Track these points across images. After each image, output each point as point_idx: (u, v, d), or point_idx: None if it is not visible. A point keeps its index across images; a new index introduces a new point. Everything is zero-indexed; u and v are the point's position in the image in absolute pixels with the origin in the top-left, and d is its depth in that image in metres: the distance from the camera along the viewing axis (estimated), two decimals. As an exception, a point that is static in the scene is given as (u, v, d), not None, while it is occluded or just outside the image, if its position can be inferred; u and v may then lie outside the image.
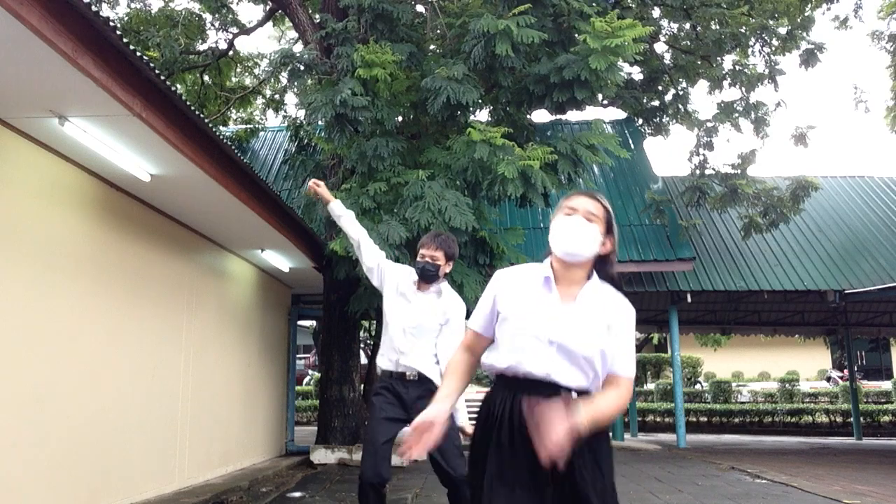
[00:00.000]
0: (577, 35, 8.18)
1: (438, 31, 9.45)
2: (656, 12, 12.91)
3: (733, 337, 22.48)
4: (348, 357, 9.43)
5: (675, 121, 13.56)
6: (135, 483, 5.46)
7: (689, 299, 12.73)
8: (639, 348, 25.89)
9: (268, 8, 13.30)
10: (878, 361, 28.65)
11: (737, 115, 11.98)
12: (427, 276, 3.72)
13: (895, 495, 6.69)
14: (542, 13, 8.23)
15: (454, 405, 2.22)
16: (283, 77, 9.79)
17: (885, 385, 22.39)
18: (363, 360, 12.55)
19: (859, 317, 16.65)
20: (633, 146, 14.66)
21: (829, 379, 26.16)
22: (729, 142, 61.53)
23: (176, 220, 6.33)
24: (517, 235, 8.99)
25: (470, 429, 3.36)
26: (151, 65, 3.94)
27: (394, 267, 3.92)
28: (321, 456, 8.72)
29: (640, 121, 14.54)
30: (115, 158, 4.67)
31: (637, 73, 12.93)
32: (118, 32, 3.55)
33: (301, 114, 12.72)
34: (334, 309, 9.30)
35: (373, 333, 13.37)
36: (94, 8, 3.33)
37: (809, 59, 11.81)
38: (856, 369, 18.39)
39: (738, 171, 12.32)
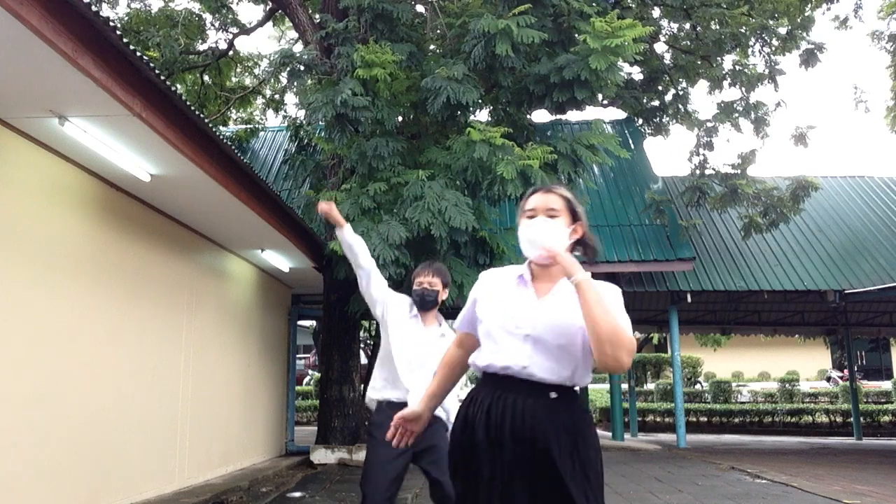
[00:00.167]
0: (577, 35, 8.18)
1: (438, 31, 9.45)
2: (656, 12, 12.90)
3: (733, 337, 22.47)
4: (348, 357, 9.43)
5: (675, 121, 13.55)
6: (135, 483, 5.46)
7: (689, 299, 12.73)
8: (639, 348, 25.88)
9: (268, 8, 13.31)
10: (878, 361, 28.66)
11: (737, 115, 11.98)
12: (427, 304, 3.65)
13: (895, 495, 6.69)
14: (542, 13, 8.23)
15: (441, 403, 2.27)
16: (283, 77, 9.78)
17: (885, 385, 22.40)
18: (363, 360, 12.54)
19: (859, 317, 16.64)
20: (633, 146, 14.65)
21: (829, 379, 26.17)
22: (729, 142, 61.66)
23: (176, 220, 6.33)
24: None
25: None
26: (151, 65, 3.94)
27: (395, 296, 3.80)
28: (321, 456, 8.72)
29: (640, 121, 14.53)
30: (115, 158, 4.67)
31: (637, 73, 12.93)
32: (118, 32, 3.55)
33: (301, 114, 12.73)
34: (334, 309, 9.30)
35: (373, 333, 13.37)
36: (94, 8, 3.33)
37: (809, 59, 11.81)
38: (856, 369, 18.39)
39: (738, 171, 12.31)
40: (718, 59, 12.25)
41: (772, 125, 14.22)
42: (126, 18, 12.94)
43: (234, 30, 13.65)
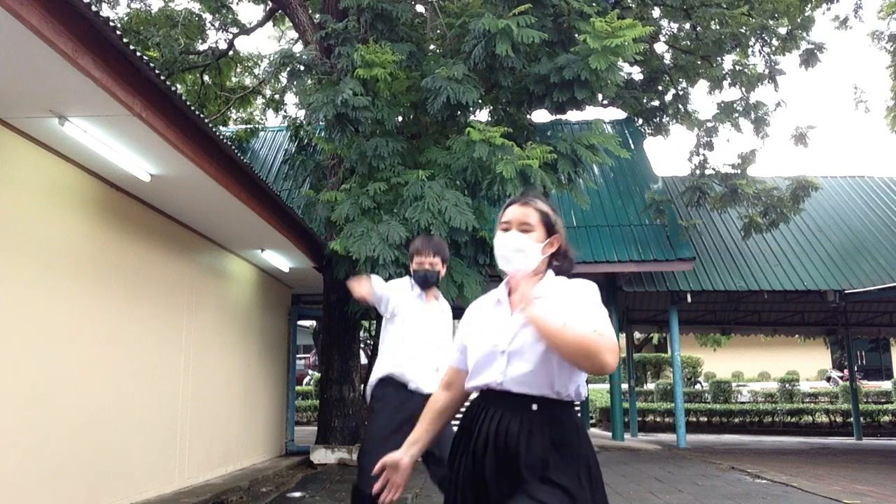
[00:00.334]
0: (577, 35, 8.18)
1: (438, 31, 9.45)
2: (656, 12, 12.90)
3: (733, 337, 22.49)
4: (348, 357, 9.43)
5: (675, 121, 13.56)
6: (135, 483, 5.46)
7: (689, 299, 12.73)
8: (639, 348, 25.92)
9: (268, 8, 13.31)
10: (878, 361, 28.67)
11: (737, 115, 11.97)
12: (430, 284, 3.69)
13: (895, 495, 6.69)
14: (542, 13, 8.23)
15: (423, 449, 2.21)
16: (283, 77, 9.79)
17: (885, 385, 22.40)
18: (363, 360, 12.54)
19: (859, 317, 16.65)
20: (633, 146, 14.65)
21: (829, 379, 26.17)
22: (729, 142, 61.63)
23: (176, 220, 6.33)
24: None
25: None
26: (151, 65, 3.94)
27: (396, 285, 3.81)
28: (321, 456, 8.72)
29: (640, 121, 14.54)
30: (115, 158, 4.67)
31: (637, 73, 12.93)
32: (118, 32, 3.55)
33: (301, 114, 12.74)
34: (334, 309, 9.30)
35: (373, 333, 13.37)
36: (94, 8, 3.33)
37: (809, 59, 11.81)
38: (856, 369, 18.39)
39: (738, 171, 12.31)
40: (718, 59, 12.25)
41: (772, 125, 14.23)
42: (126, 18, 12.94)
43: (234, 30, 13.66)
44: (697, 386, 24.05)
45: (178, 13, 13.19)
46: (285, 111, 15.39)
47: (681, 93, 12.72)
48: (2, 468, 3.98)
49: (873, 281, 12.54)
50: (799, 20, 12.48)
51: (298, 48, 10.64)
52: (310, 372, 23.40)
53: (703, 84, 13.24)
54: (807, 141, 12.58)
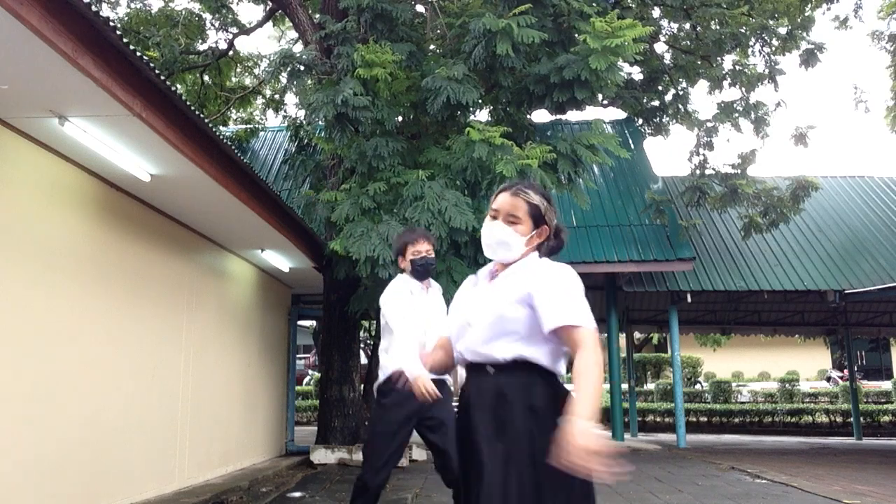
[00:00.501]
0: (577, 35, 8.17)
1: (438, 31, 9.44)
2: (656, 12, 12.90)
3: (733, 337, 22.48)
4: (348, 357, 9.43)
5: (675, 121, 13.55)
6: (135, 483, 5.46)
7: (689, 299, 12.73)
8: (639, 348, 25.92)
9: (268, 8, 13.30)
10: (878, 361, 28.66)
11: (737, 115, 11.97)
12: (430, 272, 3.71)
13: (895, 495, 6.69)
14: (543, 13, 8.23)
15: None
16: (283, 77, 9.79)
17: (885, 385, 22.39)
18: (363, 360, 12.54)
19: (859, 317, 16.65)
20: (633, 146, 14.65)
21: (829, 379, 26.17)
22: (729, 142, 61.61)
23: (176, 220, 6.33)
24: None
25: None
26: (151, 65, 3.94)
27: (393, 293, 3.76)
28: (321, 456, 8.72)
29: (640, 121, 14.53)
30: (115, 158, 4.67)
31: (637, 73, 12.92)
32: (118, 32, 3.55)
33: (301, 114, 12.73)
34: (334, 309, 9.29)
35: (373, 333, 13.37)
36: (94, 8, 3.33)
37: (809, 59, 11.81)
38: (856, 369, 18.39)
39: (738, 171, 12.31)
40: (718, 59, 12.25)
41: (772, 125, 14.23)
42: (126, 18, 12.94)
43: (234, 30, 13.66)
44: (697, 386, 24.04)
45: (178, 13, 13.19)
46: (285, 111, 15.39)
47: (681, 93, 12.72)
48: (2, 468, 3.98)
49: (873, 281, 12.54)
50: (799, 20, 12.47)
51: (298, 48, 10.63)
52: (310, 372, 23.40)
53: (703, 84, 13.24)
54: (807, 141, 12.58)
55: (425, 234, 3.79)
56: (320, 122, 9.12)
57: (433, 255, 3.72)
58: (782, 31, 11.97)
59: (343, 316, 9.08)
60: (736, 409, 19.10)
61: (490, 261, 2.28)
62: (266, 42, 62.03)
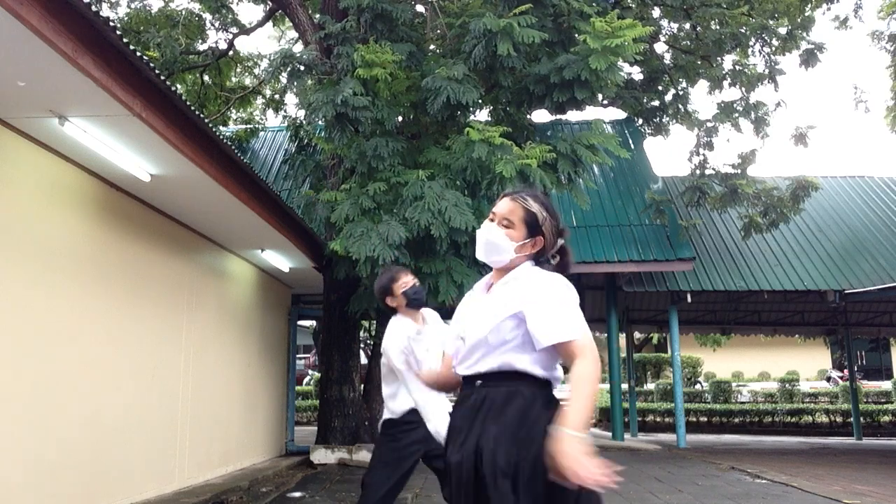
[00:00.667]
0: (577, 35, 8.18)
1: (438, 31, 9.45)
2: (656, 12, 12.90)
3: (733, 337, 22.48)
4: (348, 357, 9.43)
5: (675, 121, 13.56)
6: (135, 483, 5.46)
7: (689, 299, 12.73)
8: (639, 348, 25.92)
9: (268, 8, 13.31)
10: (878, 361, 28.65)
11: (737, 115, 11.97)
12: (423, 300, 3.70)
13: (895, 495, 6.69)
14: (543, 13, 8.23)
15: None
16: (283, 77, 9.79)
17: (885, 385, 22.38)
18: (363, 360, 12.54)
19: (859, 317, 16.64)
20: (633, 146, 14.65)
21: (829, 379, 26.16)
22: (729, 142, 61.62)
23: (176, 220, 6.33)
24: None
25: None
26: (151, 65, 3.95)
27: (397, 341, 3.64)
28: (321, 456, 8.72)
29: (640, 121, 14.54)
30: (115, 158, 4.67)
31: (637, 73, 12.93)
32: (118, 32, 3.55)
33: (301, 114, 12.73)
34: (334, 309, 9.30)
35: (373, 333, 13.36)
36: (94, 8, 3.33)
37: (809, 59, 11.81)
38: (856, 369, 18.38)
39: (738, 171, 12.31)
40: (718, 59, 12.25)
41: (772, 125, 14.22)
42: (126, 18, 12.94)
43: (234, 30, 13.66)
44: (697, 386, 24.03)
45: (178, 13, 13.19)
46: (285, 111, 15.39)
47: (681, 93, 12.72)
48: (2, 468, 3.98)
49: (873, 281, 12.54)
50: (799, 20, 12.48)
51: (298, 48, 10.63)
52: (310, 372, 23.40)
53: (703, 84, 13.24)
54: (807, 141, 12.58)
55: (401, 268, 3.80)
56: (320, 122, 9.12)
57: (418, 283, 3.71)
58: (782, 31, 11.97)
59: (343, 316, 9.08)
60: (736, 409, 19.10)
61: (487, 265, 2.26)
62: (266, 42, 62.07)
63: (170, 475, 6.08)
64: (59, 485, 4.49)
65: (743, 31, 11.66)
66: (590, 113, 23.06)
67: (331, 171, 9.69)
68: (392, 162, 7.99)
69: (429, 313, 3.80)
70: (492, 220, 2.15)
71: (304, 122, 11.70)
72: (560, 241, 2.17)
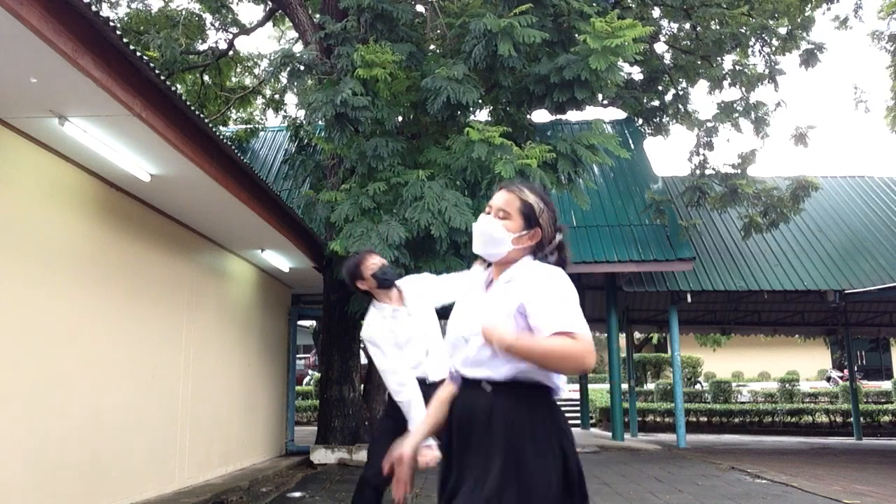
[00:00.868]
0: (577, 35, 8.18)
1: (438, 31, 9.45)
2: (656, 12, 12.90)
3: (733, 337, 22.48)
4: (348, 357, 9.43)
5: (675, 121, 13.56)
6: (135, 483, 5.46)
7: (689, 299, 12.73)
8: (639, 348, 25.92)
9: (268, 8, 13.31)
10: (878, 361, 28.66)
11: (737, 115, 11.98)
12: (394, 276, 3.68)
13: (895, 495, 6.69)
14: (543, 13, 8.23)
15: (425, 437, 2.23)
16: (283, 77, 9.80)
17: (885, 385, 22.40)
18: (363, 359, 12.54)
19: (859, 317, 16.65)
20: (633, 146, 14.65)
21: (829, 379, 26.17)
22: (729, 142, 61.59)
23: (176, 220, 6.33)
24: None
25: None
26: (151, 65, 3.95)
27: (378, 332, 3.68)
28: (321, 456, 8.72)
29: (640, 121, 14.54)
30: (115, 158, 4.67)
31: (637, 73, 12.93)
32: (118, 32, 3.55)
33: (301, 114, 12.72)
34: (334, 309, 9.30)
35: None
36: (94, 8, 3.33)
37: (809, 59, 11.81)
38: (856, 369, 18.39)
39: (738, 171, 12.32)
40: (718, 59, 12.26)
41: (772, 125, 14.22)
42: (126, 19, 12.94)
43: (234, 30, 13.66)
44: (697, 386, 24.04)
45: (178, 13, 13.19)
46: (285, 111, 15.39)
47: (681, 93, 12.73)
48: (2, 468, 3.98)
49: (873, 281, 12.54)
50: (799, 20, 12.48)
51: (298, 48, 10.63)
52: (310, 372, 23.40)
53: (703, 84, 13.24)
54: (807, 141, 12.58)
55: (367, 250, 3.75)
56: (320, 122, 9.11)
57: (386, 262, 3.69)
58: (782, 31, 11.98)
59: (343, 316, 9.08)
60: (736, 409, 19.10)
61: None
62: (266, 42, 62.07)
63: (170, 475, 6.08)
64: (59, 485, 4.49)
65: (743, 31, 11.67)
66: (590, 113, 23.08)
67: (331, 171, 9.69)
68: (392, 162, 7.99)
69: (405, 286, 3.77)
70: (488, 213, 2.11)
71: (304, 122, 11.69)
72: (559, 236, 2.12)
